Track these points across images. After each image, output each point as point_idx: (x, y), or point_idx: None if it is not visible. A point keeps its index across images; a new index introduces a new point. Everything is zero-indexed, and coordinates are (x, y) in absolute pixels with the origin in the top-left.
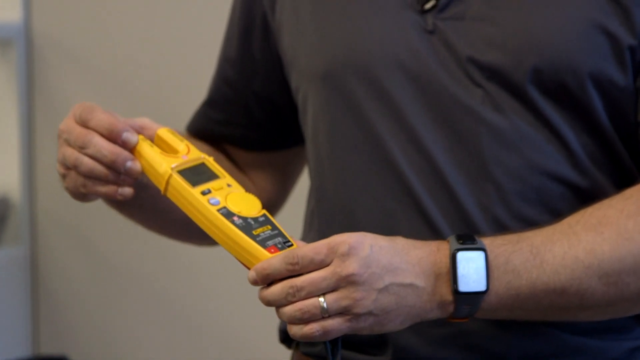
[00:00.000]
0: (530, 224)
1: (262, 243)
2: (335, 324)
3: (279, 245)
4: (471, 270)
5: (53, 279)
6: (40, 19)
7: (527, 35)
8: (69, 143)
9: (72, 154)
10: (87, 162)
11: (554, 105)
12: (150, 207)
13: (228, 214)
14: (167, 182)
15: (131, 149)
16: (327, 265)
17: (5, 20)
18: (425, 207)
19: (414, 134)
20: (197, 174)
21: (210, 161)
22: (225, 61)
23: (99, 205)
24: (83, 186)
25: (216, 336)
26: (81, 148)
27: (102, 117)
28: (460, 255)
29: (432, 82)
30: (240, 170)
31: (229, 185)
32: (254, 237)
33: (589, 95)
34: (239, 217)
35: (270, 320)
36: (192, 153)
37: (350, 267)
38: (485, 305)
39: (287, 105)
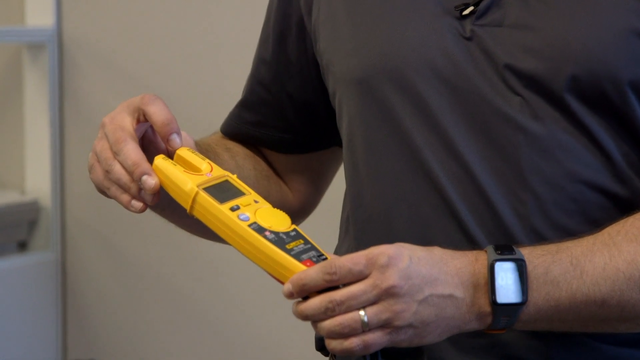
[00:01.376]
0: (568, 234)
1: (297, 257)
2: (376, 338)
3: (314, 259)
4: (510, 281)
5: (82, 284)
6: (71, 24)
7: (564, 43)
8: (107, 139)
9: (107, 156)
10: (117, 171)
11: (593, 113)
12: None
13: (260, 229)
14: (194, 200)
15: (173, 152)
16: (366, 276)
17: (38, 25)
18: (461, 216)
19: (449, 142)
20: (223, 191)
21: (234, 178)
22: (260, 63)
23: (128, 212)
24: (107, 189)
25: (243, 341)
26: (115, 153)
27: (162, 108)
28: (499, 265)
29: (469, 89)
30: (275, 172)
31: (256, 202)
32: (288, 252)
33: (629, 102)
34: (271, 232)
35: (298, 325)
36: (215, 171)
37: (391, 279)
38: (524, 317)
39: (322, 107)
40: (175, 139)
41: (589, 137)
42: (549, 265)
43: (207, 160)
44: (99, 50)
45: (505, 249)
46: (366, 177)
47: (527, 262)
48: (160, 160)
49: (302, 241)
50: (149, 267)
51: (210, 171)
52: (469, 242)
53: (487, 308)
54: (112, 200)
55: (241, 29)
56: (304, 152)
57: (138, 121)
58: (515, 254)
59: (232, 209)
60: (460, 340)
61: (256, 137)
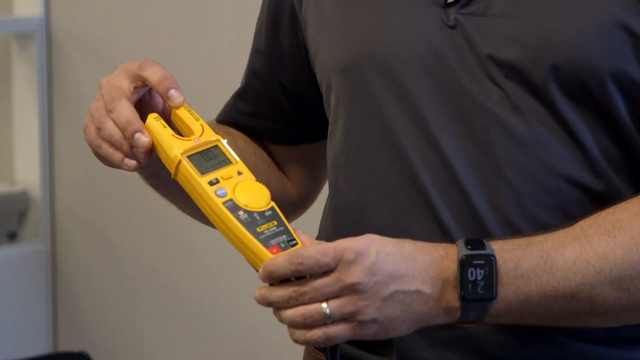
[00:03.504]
0: (544, 227)
1: (265, 242)
2: (338, 331)
3: (282, 245)
4: (479, 276)
5: (72, 275)
6: (60, 14)
7: (546, 32)
8: (103, 98)
9: (101, 114)
10: (110, 128)
11: (574, 105)
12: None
13: (234, 208)
14: (177, 168)
15: (174, 108)
16: (333, 269)
17: (26, 15)
18: (436, 206)
19: (429, 132)
20: (208, 159)
21: (224, 144)
22: (255, 53)
23: (119, 201)
24: (98, 147)
25: (235, 332)
26: (109, 111)
27: (158, 70)
28: (469, 261)
29: (450, 79)
30: (275, 162)
31: (239, 173)
32: (257, 235)
33: (609, 95)
34: (245, 211)
35: None
36: (205, 135)
37: (355, 275)
38: (494, 311)
39: (316, 98)
40: (174, 94)
41: (567, 131)
42: (519, 260)
43: (202, 121)
44: (87, 39)
45: (476, 243)
46: (343, 165)
47: (498, 257)
48: (152, 120)
49: (275, 222)
50: (139, 257)
51: (200, 135)
52: (442, 233)
53: (455, 303)
54: (102, 189)
55: (232, 20)
56: (300, 143)
57: (135, 87)
58: (485, 249)
59: (211, 183)
60: (430, 332)
61: (251, 127)
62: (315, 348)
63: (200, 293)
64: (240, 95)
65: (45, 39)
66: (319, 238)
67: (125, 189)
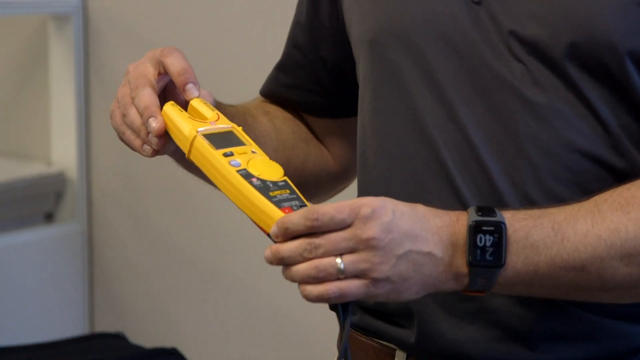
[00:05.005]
0: (562, 203)
1: (278, 204)
2: (352, 287)
3: (295, 207)
4: (488, 243)
5: (108, 256)
6: None
7: (565, 9)
8: (129, 85)
9: (126, 101)
10: (132, 114)
11: (593, 82)
12: None
13: (247, 175)
14: (191, 144)
15: (188, 100)
16: (348, 226)
17: None
18: (457, 181)
19: (450, 107)
20: (222, 140)
21: (239, 130)
22: (296, 25)
23: (154, 181)
24: (122, 133)
25: (271, 313)
26: (132, 98)
27: (179, 59)
28: (478, 227)
29: (473, 54)
30: (315, 136)
31: (253, 152)
32: (270, 198)
33: (628, 72)
34: (258, 179)
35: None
36: (221, 121)
37: (372, 230)
38: (502, 280)
39: (354, 72)
40: (190, 88)
41: (587, 107)
42: (530, 230)
43: (217, 112)
44: (123, 21)
45: (487, 210)
46: (371, 138)
47: (508, 226)
48: (168, 106)
49: (287, 191)
50: (175, 237)
51: (215, 120)
52: (463, 209)
53: (464, 269)
54: (139, 170)
55: (268, 3)
56: (339, 116)
57: (159, 73)
58: (496, 216)
59: (226, 155)
60: (450, 303)
61: (292, 100)
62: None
63: (236, 274)
64: (280, 67)
65: (82, 20)
66: None
67: (161, 169)
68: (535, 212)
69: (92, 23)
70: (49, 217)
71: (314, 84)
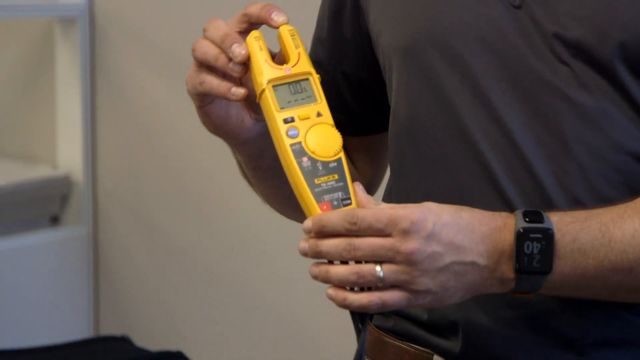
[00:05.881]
0: (610, 205)
1: (318, 196)
2: (394, 297)
3: (335, 202)
4: (535, 250)
5: (114, 259)
6: None
7: (611, 9)
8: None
9: (207, 49)
10: (202, 44)
11: None
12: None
13: (299, 152)
14: (261, 95)
15: (277, 27)
16: (385, 235)
17: (70, 0)
18: (503, 185)
19: (493, 111)
20: (293, 93)
21: (315, 80)
22: (317, 42)
23: (160, 184)
24: (200, 84)
25: (277, 317)
26: (204, 31)
27: (220, 29)
28: (526, 235)
29: (515, 58)
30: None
31: (318, 115)
32: (313, 187)
33: None
34: (309, 158)
35: (327, 304)
36: (299, 66)
37: (410, 244)
38: (549, 284)
39: (377, 87)
40: (276, 15)
41: (635, 108)
42: (577, 233)
43: (301, 49)
44: (130, 24)
45: (534, 215)
46: (408, 147)
47: (556, 230)
48: (251, 39)
49: (336, 176)
50: (181, 241)
51: (294, 65)
52: (509, 210)
53: (510, 275)
54: (145, 174)
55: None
56: (362, 134)
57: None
58: (543, 222)
59: (286, 121)
60: (497, 310)
61: None
62: (350, 314)
63: (242, 278)
64: None
65: (88, 23)
66: None
67: (167, 173)
68: (581, 214)
69: (98, 26)
70: (54, 220)
71: (337, 101)
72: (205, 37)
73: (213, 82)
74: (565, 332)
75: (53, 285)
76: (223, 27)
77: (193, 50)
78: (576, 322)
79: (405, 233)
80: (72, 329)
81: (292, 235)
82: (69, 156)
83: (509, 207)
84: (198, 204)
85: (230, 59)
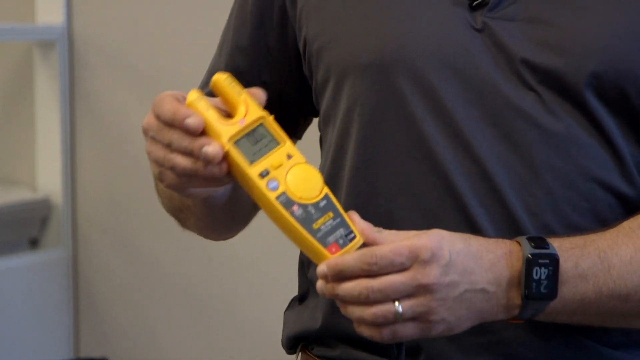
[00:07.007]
0: (578, 232)
1: (323, 240)
2: (407, 330)
3: (341, 241)
4: (543, 276)
5: (94, 281)
6: (81, 22)
7: (586, 38)
8: (155, 140)
9: (163, 154)
10: (180, 162)
11: (610, 111)
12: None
13: (287, 203)
14: (225, 156)
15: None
16: (406, 268)
17: (48, 23)
18: (470, 209)
19: (460, 133)
20: (254, 143)
21: (270, 121)
22: (235, 50)
23: (140, 208)
24: (185, 183)
25: (258, 339)
26: (168, 146)
27: (167, 108)
28: (535, 260)
29: (482, 81)
30: None
31: (289, 157)
32: (314, 233)
33: None
34: (299, 205)
35: None
36: (250, 114)
37: (431, 275)
38: (548, 309)
39: (294, 100)
40: (189, 123)
41: (603, 136)
42: (578, 259)
43: (244, 94)
44: (109, 47)
45: (539, 241)
46: (363, 166)
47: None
48: (195, 101)
49: (331, 214)
50: (161, 263)
51: (244, 115)
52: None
53: (517, 301)
54: (124, 196)
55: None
56: None
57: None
58: (549, 248)
59: (262, 175)
60: (460, 338)
61: None
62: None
63: (222, 300)
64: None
65: (67, 47)
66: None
67: (146, 195)
68: (579, 240)
69: (77, 49)
70: (34, 243)
71: None
72: (173, 149)
73: (176, 159)
74: (529, 357)
75: (33, 308)
76: (166, 104)
77: (172, 168)
78: (541, 349)
79: (426, 264)
80: (53, 351)
81: (274, 252)
82: (48, 179)
83: (476, 231)
84: (177, 226)
85: (206, 163)
